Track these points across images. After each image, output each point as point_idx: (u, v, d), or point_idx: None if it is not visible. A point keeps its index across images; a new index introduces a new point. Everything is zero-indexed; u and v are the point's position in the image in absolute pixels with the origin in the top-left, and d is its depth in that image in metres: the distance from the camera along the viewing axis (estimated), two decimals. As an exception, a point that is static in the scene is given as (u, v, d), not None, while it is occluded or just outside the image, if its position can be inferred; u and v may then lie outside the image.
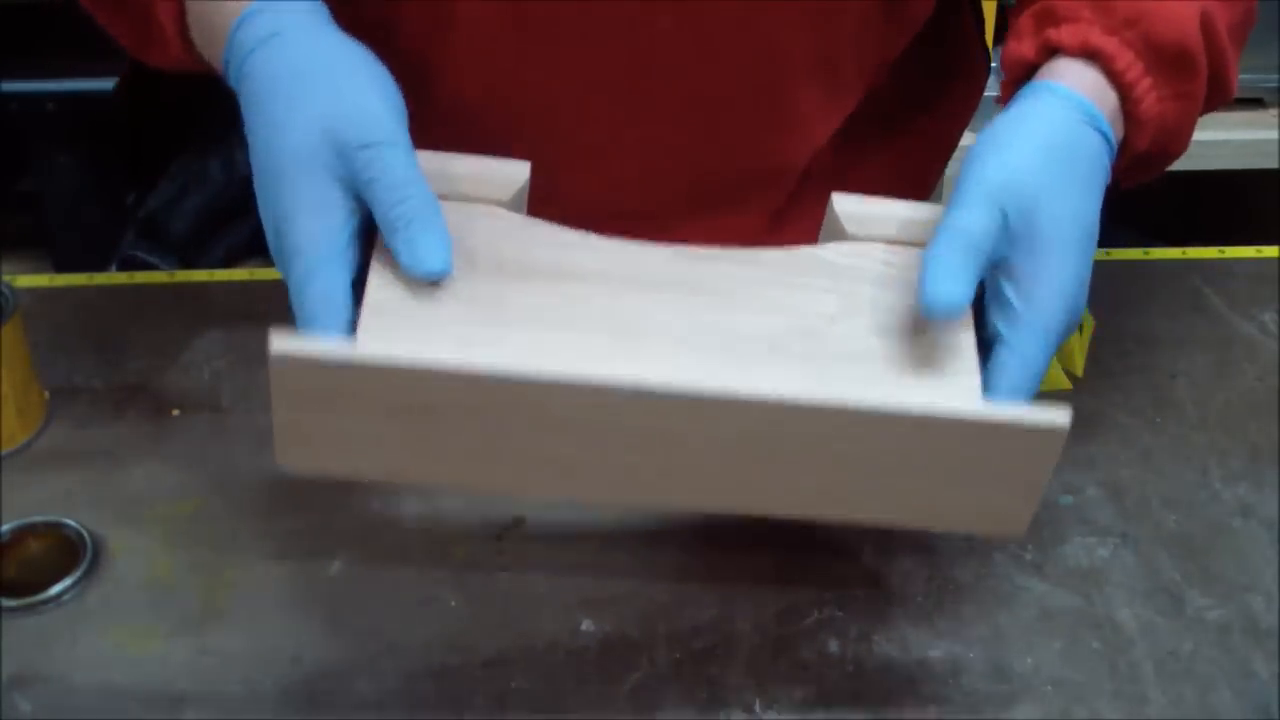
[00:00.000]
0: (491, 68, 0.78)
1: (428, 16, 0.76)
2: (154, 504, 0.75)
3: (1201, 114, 0.72)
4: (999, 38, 1.40)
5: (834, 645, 0.68)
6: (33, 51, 1.66)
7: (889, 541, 0.73)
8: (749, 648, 0.68)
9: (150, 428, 0.79)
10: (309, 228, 0.60)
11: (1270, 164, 1.57)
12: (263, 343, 0.54)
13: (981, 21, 0.91)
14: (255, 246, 1.76)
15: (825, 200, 0.66)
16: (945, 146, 0.95)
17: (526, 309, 0.61)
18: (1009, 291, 0.62)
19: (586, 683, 0.66)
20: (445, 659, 0.67)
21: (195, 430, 0.79)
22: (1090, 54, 0.67)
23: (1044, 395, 0.61)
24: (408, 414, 0.57)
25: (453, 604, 0.70)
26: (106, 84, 1.66)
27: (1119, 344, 0.86)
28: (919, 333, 0.63)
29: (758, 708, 0.65)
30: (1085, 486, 0.77)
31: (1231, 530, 0.75)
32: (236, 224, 1.80)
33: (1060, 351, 0.78)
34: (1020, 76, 0.70)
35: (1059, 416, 0.56)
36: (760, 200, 0.86)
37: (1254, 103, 1.60)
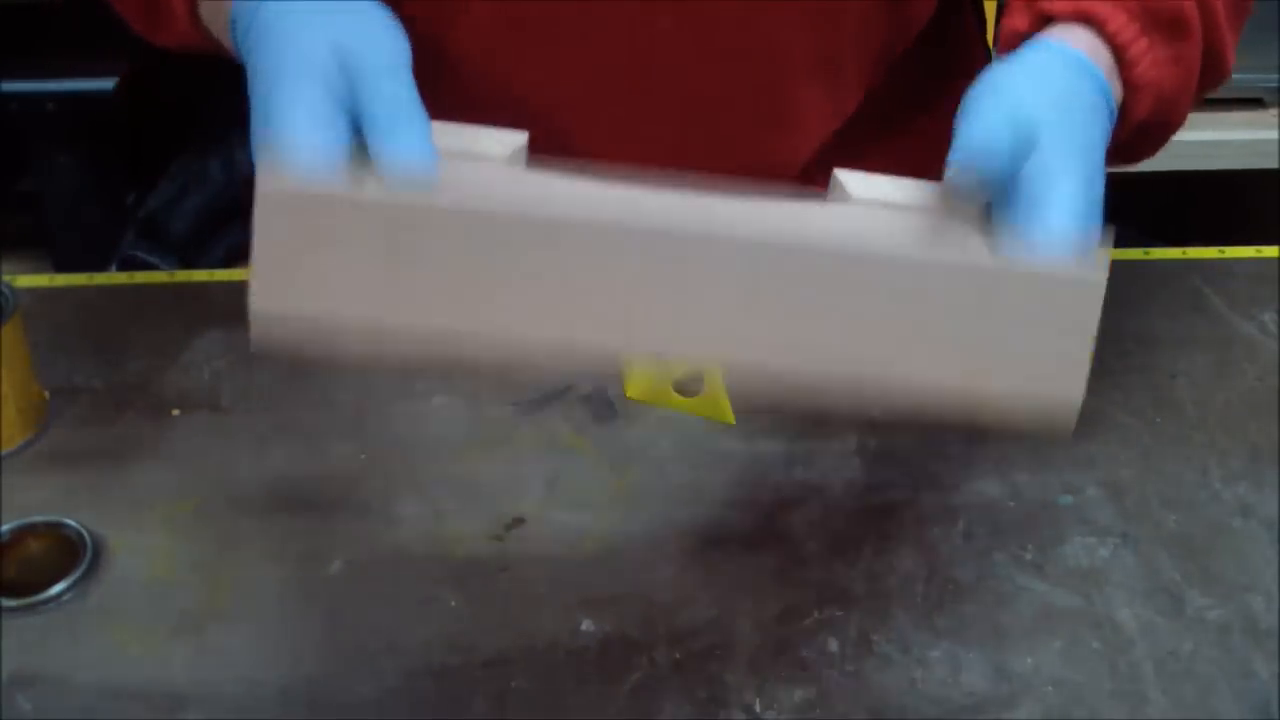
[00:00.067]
0: (492, 67, 0.78)
1: (428, 16, 0.76)
2: (154, 504, 0.75)
3: (1198, 91, 0.71)
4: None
5: (834, 645, 0.68)
6: (33, 51, 1.66)
7: (889, 541, 0.73)
8: (749, 648, 0.68)
9: (150, 428, 0.79)
10: (303, 130, 0.59)
11: (1270, 164, 1.57)
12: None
13: (983, 21, 0.91)
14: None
15: None
16: (945, 146, 0.95)
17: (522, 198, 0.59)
18: (1020, 193, 0.61)
19: (586, 683, 0.66)
20: (445, 659, 0.67)
21: (195, 430, 0.79)
22: (1084, 18, 0.66)
23: None
24: (396, 254, 0.55)
25: (453, 604, 0.70)
26: (106, 84, 1.66)
27: (1119, 344, 0.86)
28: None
29: (758, 708, 0.65)
30: (1085, 486, 0.77)
31: (1231, 530, 0.75)
32: (236, 224, 1.79)
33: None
34: (1014, 49, 0.68)
35: (1094, 271, 0.55)
36: (760, 200, 0.86)
37: (1254, 103, 1.59)
